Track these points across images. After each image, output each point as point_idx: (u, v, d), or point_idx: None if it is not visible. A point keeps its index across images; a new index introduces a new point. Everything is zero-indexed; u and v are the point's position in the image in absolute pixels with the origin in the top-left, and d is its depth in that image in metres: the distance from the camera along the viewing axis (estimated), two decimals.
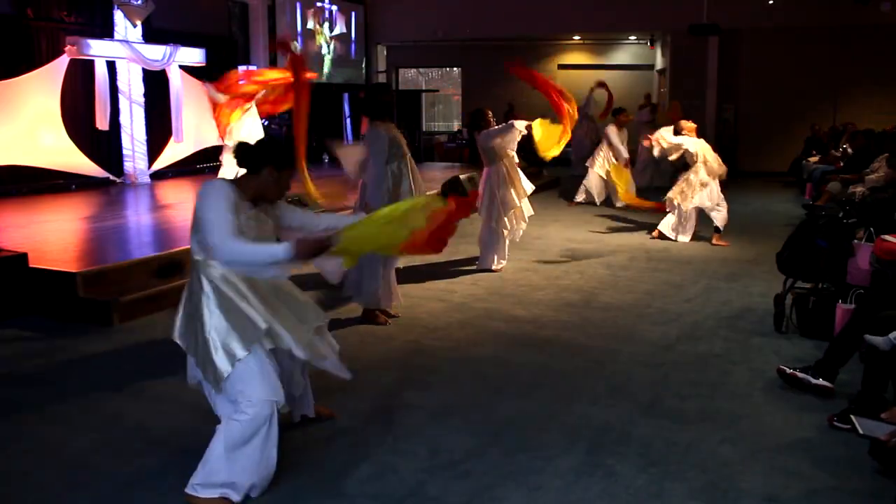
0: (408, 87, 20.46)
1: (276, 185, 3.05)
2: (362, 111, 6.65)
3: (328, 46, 16.17)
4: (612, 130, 10.94)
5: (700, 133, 15.90)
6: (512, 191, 6.90)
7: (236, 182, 3.02)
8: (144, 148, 11.36)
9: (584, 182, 11.42)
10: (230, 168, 10.53)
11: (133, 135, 11.16)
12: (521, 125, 6.76)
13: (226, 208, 2.86)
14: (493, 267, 6.99)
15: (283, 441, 3.44)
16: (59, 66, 10.07)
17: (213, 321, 2.91)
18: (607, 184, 10.97)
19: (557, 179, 13.95)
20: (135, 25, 10.87)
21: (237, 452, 2.92)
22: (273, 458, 3.01)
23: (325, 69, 16.17)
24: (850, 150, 11.28)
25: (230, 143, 10.37)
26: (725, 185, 8.67)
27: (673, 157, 8.43)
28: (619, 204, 11.03)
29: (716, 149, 15.78)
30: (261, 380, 2.92)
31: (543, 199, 11.71)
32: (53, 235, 7.15)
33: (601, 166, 11.04)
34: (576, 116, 7.24)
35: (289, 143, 3.25)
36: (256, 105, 8.75)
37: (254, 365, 2.91)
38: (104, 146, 10.84)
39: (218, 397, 3.04)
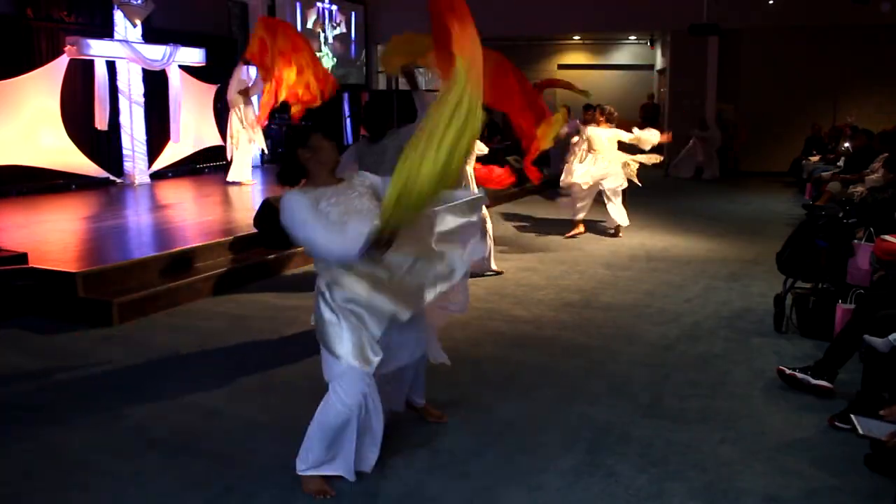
0: (408, 86, 20.45)
1: (321, 154, 3.11)
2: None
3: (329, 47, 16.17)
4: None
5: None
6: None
7: (305, 184, 3.13)
8: (144, 148, 11.34)
9: None
10: (239, 169, 10.78)
11: (133, 135, 11.14)
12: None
13: (310, 219, 2.94)
14: (494, 267, 6.97)
15: (284, 440, 3.44)
16: (59, 66, 10.06)
17: (327, 315, 3.07)
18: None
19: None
20: (135, 25, 10.86)
21: (332, 438, 3.06)
22: (371, 439, 3.13)
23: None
24: (850, 148, 11.27)
25: (237, 148, 10.67)
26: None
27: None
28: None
29: (716, 149, 15.86)
30: (354, 382, 3.02)
31: (544, 198, 11.73)
32: (53, 235, 7.15)
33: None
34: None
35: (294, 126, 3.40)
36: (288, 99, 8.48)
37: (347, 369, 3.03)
38: (104, 146, 10.83)
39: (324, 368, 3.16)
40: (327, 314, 3.06)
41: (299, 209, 2.96)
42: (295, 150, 3.11)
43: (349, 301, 3.05)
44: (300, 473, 3.10)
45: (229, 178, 10.97)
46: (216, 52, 12.39)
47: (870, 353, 3.73)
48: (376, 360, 3.03)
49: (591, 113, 10.79)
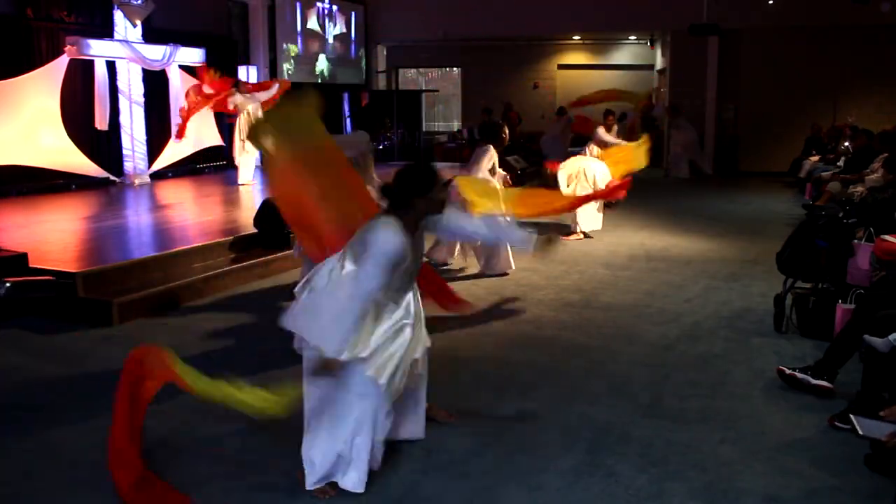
0: (408, 87, 20.45)
1: (434, 205, 3.07)
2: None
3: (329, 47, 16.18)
4: (601, 131, 10.92)
5: (700, 133, 16.04)
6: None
7: (401, 220, 3.00)
8: (144, 148, 11.36)
9: None
10: (246, 169, 10.82)
11: (133, 135, 11.15)
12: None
13: (389, 266, 2.91)
14: (507, 270, 6.93)
15: (282, 441, 3.44)
16: (59, 66, 10.07)
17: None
18: None
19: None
20: (135, 25, 10.87)
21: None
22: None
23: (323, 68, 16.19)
24: (850, 148, 11.27)
25: (244, 150, 10.82)
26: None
27: None
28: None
29: (716, 148, 15.91)
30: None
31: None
32: (53, 235, 7.15)
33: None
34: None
35: (424, 165, 3.16)
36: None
37: None
38: (104, 146, 10.84)
39: None
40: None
41: (393, 247, 2.91)
42: (412, 195, 3.01)
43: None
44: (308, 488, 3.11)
45: (240, 181, 10.97)
46: (216, 52, 12.39)
47: (870, 353, 3.73)
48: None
49: (611, 118, 10.92)
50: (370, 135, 5.74)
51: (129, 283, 5.83)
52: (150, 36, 11.20)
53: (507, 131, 7.05)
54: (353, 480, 3.07)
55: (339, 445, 3.05)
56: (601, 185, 8.91)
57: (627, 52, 19.50)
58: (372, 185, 5.64)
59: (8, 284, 4.82)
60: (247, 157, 10.99)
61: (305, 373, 3.16)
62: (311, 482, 3.10)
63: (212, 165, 12.79)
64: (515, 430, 3.69)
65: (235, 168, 11.16)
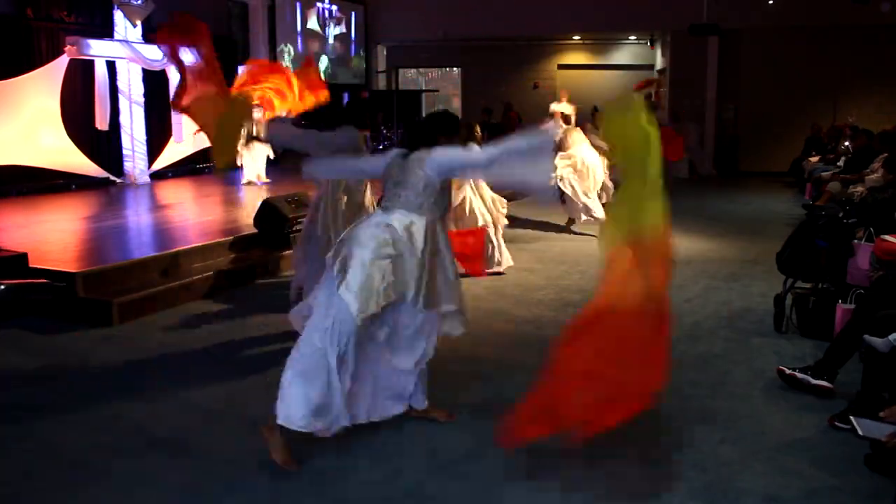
0: (408, 87, 20.45)
1: None
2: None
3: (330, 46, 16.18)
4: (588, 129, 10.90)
5: (700, 133, 16.02)
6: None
7: None
8: (144, 148, 11.36)
9: None
10: (251, 168, 10.83)
11: (133, 135, 11.16)
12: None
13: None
14: (501, 269, 6.93)
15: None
16: (59, 66, 10.07)
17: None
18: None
19: None
20: (135, 25, 10.87)
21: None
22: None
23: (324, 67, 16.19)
24: (850, 148, 11.27)
25: (248, 151, 10.78)
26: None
27: None
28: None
29: (716, 148, 15.90)
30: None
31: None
32: (53, 235, 7.15)
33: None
34: None
35: (451, 113, 3.72)
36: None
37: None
38: (104, 146, 10.84)
39: None
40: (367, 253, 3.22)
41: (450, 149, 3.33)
42: (437, 134, 3.38)
43: (395, 243, 3.24)
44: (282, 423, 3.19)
45: (244, 180, 10.96)
46: (216, 51, 12.35)
47: (870, 353, 3.73)
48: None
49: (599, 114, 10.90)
50: (363, 131, 5.51)
51: (129, 283, 5.83)
52: (150, 36, 11.19)
53: (479, 130, 7.31)
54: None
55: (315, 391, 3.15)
56: (597, 179, 8.93)
57: (627, 52, 19.49)
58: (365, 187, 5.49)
59: (2, 287, 4.81)
60: (248, 158, 11.00)
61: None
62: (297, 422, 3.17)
63: (212, 165, 12.76)
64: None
65: (237, 168, 11.14)
